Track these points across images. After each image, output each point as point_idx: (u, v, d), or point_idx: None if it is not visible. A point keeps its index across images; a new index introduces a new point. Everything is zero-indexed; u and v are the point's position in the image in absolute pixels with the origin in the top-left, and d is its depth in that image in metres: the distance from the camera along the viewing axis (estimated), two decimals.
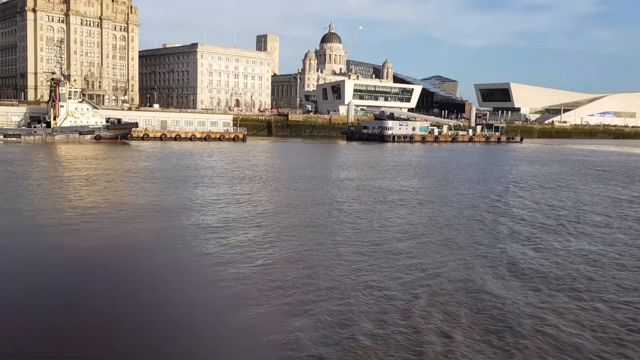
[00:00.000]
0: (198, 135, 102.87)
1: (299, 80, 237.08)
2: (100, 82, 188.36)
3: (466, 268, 20.65)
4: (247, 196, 38.30)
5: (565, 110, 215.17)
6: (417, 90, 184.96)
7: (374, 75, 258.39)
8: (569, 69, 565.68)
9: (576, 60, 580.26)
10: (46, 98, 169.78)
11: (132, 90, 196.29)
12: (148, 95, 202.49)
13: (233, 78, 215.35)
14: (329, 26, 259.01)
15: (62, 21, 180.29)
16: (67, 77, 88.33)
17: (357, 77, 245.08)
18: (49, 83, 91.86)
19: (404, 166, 67.92)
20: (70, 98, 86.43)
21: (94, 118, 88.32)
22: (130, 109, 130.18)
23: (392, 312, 15.76)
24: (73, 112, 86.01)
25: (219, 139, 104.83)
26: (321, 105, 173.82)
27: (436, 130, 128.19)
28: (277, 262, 20.77)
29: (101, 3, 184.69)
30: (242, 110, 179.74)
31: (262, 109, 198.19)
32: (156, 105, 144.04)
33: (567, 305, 16.74)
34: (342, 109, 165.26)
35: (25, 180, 43.60)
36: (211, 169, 56.58)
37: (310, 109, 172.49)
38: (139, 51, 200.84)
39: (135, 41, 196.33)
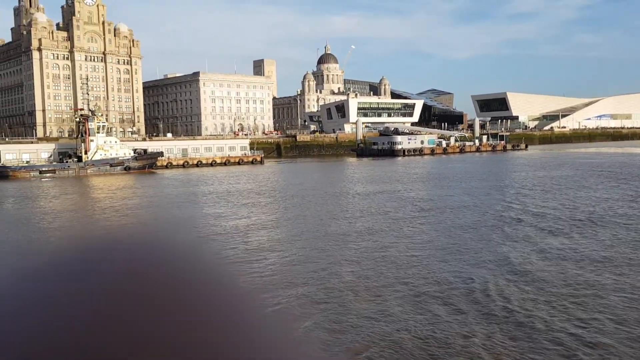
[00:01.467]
0: (218, 161, 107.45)
1: (299, 101, 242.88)
2: (107, 115, 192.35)
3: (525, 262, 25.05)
4: (308, 210, 42.69)
5: (563, 116, 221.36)
6: (418, 105, 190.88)
7: (372, 93, 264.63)
8: (558, 74, 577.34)
9: (565, 65, 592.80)
10: (55, 134, 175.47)
11: (139, 121, 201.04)
12: (153, 126, 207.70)
13: (235, 103, 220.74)
14: (325, 47, 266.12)
15: (67, 58, 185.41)
16: (94, 113, 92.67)
17: (356, 95, 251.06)
18: (77, 119, 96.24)
19: (427, 178, 72.52)
20: (98, 132, 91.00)
21: (122, 150, 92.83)
22: (145, 139, 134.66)
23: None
24: (102, 146, 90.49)
25: (238, 163, 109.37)
26: (326, 124, 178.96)
27: (444, 143, 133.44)
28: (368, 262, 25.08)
29: (104, 39, 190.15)
30: (247, 135, 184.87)
31: (266, 132, 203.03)
32: (169, 135, 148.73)
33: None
34: (347, 127, 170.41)
35: (84, 210, 47.87)
36: (259, 190, 60.94)
37: (315, 129, 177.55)
38: (142, 83, 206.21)
39: (139, 73, 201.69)
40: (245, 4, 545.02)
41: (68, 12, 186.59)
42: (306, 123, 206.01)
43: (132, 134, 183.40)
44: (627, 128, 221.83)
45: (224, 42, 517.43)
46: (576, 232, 30.05)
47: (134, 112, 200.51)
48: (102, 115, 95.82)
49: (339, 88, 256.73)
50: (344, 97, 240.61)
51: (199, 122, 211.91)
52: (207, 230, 33.67)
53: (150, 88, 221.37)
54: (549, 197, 47.31)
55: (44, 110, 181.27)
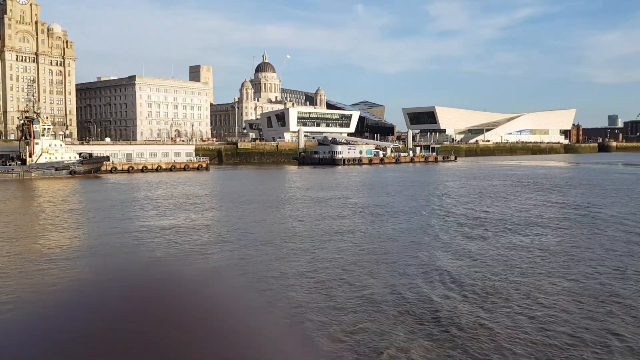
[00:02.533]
0: (164, 166, 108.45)
1: (237, 109, 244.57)
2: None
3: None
4: (266, 215, 46.49)
5: (487, 130, 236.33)
6: (355, 116, 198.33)
7: (308, 102, 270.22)
8: (481, 90, 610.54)
9: (487, 82, 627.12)
10: None
11: (71, 125, 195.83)
12: (85, 129, 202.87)
13: (172, 109, 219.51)
14: (262, 56, 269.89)
15: None
16: (39, 115, 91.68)
17: (293, 104, 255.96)
18: (21, 121, 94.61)
19: (370, 185, 77.90)
20: (43, 135, 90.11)
21: (68, 154, 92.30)
22: (82, 143, 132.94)
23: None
24: (48, 149, 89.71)
25: (184, 169, 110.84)
26: (266, 132, 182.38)
27: (381, 153, 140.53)
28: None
29: (37, 39, 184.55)
30: (184, 140, 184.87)
31: (204, 139, 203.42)
32: (107, 139, 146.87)
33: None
34: (288, 136, 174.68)
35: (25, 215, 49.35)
36: (215, 196, 63.81)
37: (255, 137, 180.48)
38: (75, 85, 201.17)
39: (72, 75, 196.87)
40: (179, 9, 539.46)
41: None
42: (245, 131, 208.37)
43: (64, 137, 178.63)
44: (545, 143, 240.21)
45: (158, 47, 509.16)
46: (516, 232, 35.82)
47: (66, 115, 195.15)
48: (47, 117, 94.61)
49: (276, 97, 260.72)
50: (281, 106, 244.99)
51: (134, 127, 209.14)
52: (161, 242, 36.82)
53: (83, 90, 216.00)
54: (484, 204, 53.56)
55: None
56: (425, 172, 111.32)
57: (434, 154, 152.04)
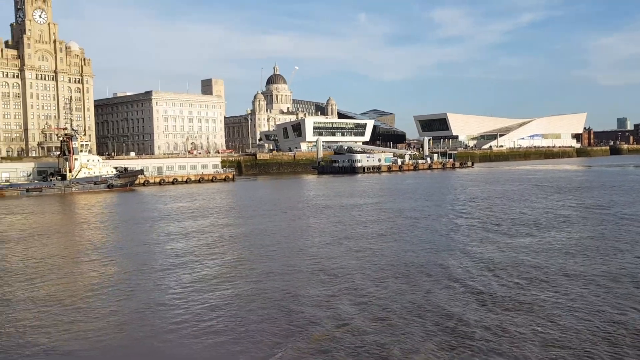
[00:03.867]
0: (193, 178, 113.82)
1: (249, 120, 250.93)
2: (56, 134, 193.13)
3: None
4: (310, 220, 51.50)
5: (500, 135, 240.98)
6: (369, 125, 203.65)
7: (319, 112, 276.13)
8: (487, 96, 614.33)
9: (492, 87, 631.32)
10: (4, 154, 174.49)
11: (90, 140, 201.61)
12: (103, 144, 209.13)
13: (188, 122, 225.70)
14: (273, 68, 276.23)
15: (17, 76, 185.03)
16: (77, 132, 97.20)
17: (305, 114, 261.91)
18: (60, 138, 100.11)
19: (395, 192, 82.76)
20: (82, 151, 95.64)
21: (105, 168, 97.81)
22: (108, 158, 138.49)
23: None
24: (86, 164, 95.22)
25: (211, 180, 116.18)
26: (282, 143, 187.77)
27: (399, 161, 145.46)
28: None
29: (55, 57, 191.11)
30: (200, 153, 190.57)
31: (220, 151, 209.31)
32: (132, 153, 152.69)
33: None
34: (304, 146, 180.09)
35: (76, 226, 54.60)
36: (258, 204, 68.89)
37: (272, 148, 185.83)
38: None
39: (90, 92, 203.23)
40: (182, 23, 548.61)
41: (18, 30, 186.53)
42: (261, 141, 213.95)
43: None
44: (558, 147, 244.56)
45: (166, 61, 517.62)
46: (549, 230, 40.71)
47: (85, 130, 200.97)
48: (84, 134, 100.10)
49: (288, 108, 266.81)
50: (293, 117, 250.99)
51: (151, 141, 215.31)
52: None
53: (100, 107, 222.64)
54: (513, 206, 58.36)
55: None
56: (445, 178, 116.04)
57: (451, 160, 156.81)
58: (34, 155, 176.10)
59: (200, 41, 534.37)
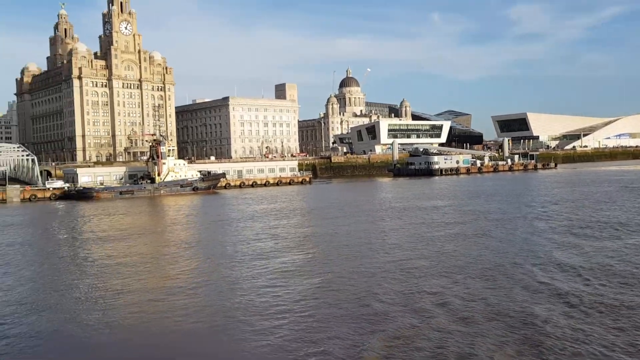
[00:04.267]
0: (271, 181, 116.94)
1: (323, 124, 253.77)
2: (142, 140, 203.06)
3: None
4: (401, 220, 51.83)
5: (583, 135, 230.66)
6: (445, 126, 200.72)
7: (393, 115, 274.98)
8: (569, 94, 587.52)
9: (575, 84, 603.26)
10: (94, 159, 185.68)
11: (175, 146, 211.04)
12: (182, 149, 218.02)
13: (263, 127, 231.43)
14: (346, 71, 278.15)
15: (105, 85, 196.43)
16: (165, 138, 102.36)
17: (378, 116, 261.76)
18: (149, 144, 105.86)
19: (476, 194, 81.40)
20: (169, 156, 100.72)
21: (190, 172, 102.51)
22: (190, 162, 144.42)
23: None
24: (173, 168, 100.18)
25: (289, 183, 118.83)
26: (356, 145, 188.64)
27: (478, 162, 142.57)
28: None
29: (140, 67, 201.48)
30: (275, 157, 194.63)
31: (294, 154, 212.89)
32: (212, 157, 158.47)
33: None
34: (378, 148, 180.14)
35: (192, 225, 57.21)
36: (342, 206, 70.10)
37: (346, 151, 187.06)
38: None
39: (172, 99, 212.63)
40: (255, 29, 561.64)
41: (106, 42, 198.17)
42: (334, 145, 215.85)
43: None
44: None
45: (241, 67, 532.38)
46: None
47: (167, 136, 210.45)
48: (170, 139, 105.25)
49: (361, 110, 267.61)
50: (366, 119, 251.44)
51: (228, 145, 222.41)
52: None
53: (180, 113, 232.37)
54: (601, 208, 56.24)
55: (83, 136, 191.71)
56: (528, 180, 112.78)
57: (532, 161, 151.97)
58: (120, 160, 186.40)
59: (273, 46, 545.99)
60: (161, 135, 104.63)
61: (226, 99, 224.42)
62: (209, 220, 59.43)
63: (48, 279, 32.14)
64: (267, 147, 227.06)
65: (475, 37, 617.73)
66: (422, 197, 79.75)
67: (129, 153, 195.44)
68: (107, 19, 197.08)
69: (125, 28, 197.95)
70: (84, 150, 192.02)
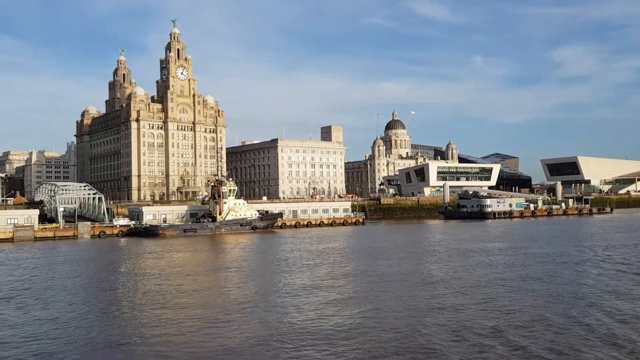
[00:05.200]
0: (325, 222, 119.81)
1: (369, 165, 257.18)
2: (194, 180, 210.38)
3: None
4: (466, 261, 53.58)
5: (638, 179, 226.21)
6: (495, 169, 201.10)
7: (439, 157, 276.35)
8: (619, 137, 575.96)
9: (624, 127, 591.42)
10: (148, 198, 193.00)
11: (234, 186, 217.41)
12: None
13: (310, 168, 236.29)
14: (392, 114, 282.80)
15: (161, 128, 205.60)
16: (226, 178, 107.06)
17: (424, 159, 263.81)
18: (211, 184, 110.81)
19: (534, 237, 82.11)
20: (229, 195, 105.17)
21: (249, 211, 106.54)
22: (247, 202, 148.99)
23: None
24: (234, 207, 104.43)
25: (343, 224, 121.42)
26: (405, 187, 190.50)
27: (532, 206, 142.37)
28: None
29: (194, 110, 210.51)
30: (322, 197, 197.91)
31: (341, 195, 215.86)
32: (264, 197, 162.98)
33: None
34: (427, 191, 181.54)
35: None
36: (406, 247, 72.21)
37: (394, 192, 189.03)
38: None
39: (223, 141, 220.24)
40: (299, 73, 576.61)
41: (162, 86, 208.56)
42: (382, 186, 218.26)
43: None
44: None
45: (279, 109, 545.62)
46: None
47: (227, 177, 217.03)
48: (230, 180, 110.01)
49: (407, 153, 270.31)
50: (412, 162, 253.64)
51: (276, 186, 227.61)
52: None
53: (230, 154, 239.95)
54: None
55: (139, 176, 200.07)
56: (585, 224, 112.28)
57: (587, 205, 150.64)
58: (173, 199, 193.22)
59: (316, 89, 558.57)
60: (222, 176, 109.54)
61: (275, 140, 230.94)
62: (276, 258, 62.40)
63: (155, 304, 35.54)
64: (313, 188, 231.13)
65: (518, 80, 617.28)
66: (481, 239, 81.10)
67: (181, 192, 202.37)
68: (164, 65, 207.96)
69: (182, 73, 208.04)
70: (139, 189, 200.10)
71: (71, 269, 55.21)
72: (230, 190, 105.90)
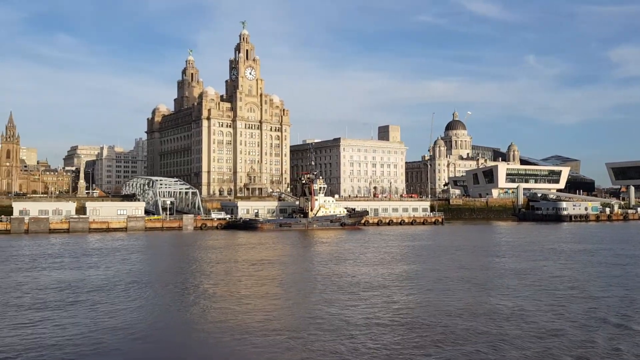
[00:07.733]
0: (406, 220, 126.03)
1: (429, 165, 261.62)
2: (260, 177, 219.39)
3: None
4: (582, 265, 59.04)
5: None
6: (564, 172, 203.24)
7: (499, 158, 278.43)
8: None
9: None
10: (217, 193, 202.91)
11: (285, 183, 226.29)
12: (294, 187, 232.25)
13: (371, 167, 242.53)
14: (453, 114, 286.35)
15: (230, 126, 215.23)
16: (317, 176, 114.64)
17: (485, 160, 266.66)
18: (303, 181, 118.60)
19: (619, 240, 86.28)
20: (320, 193, 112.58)
21: (338, 208, 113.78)
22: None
23: None
24: (324, 204, 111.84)
25: (422, 223, 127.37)
26: (472, 188, 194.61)
27: (608, 210, 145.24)
28: None
29: (261, 109, 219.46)
30: (385, 197, 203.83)
31: (403, 195, 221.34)
32: (336, 196, 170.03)
33: None
34: (495, 192, 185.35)
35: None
36: (508, 246, 77.81)
37: (460, 193, 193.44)
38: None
39: (287, 139, 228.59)
40: (347, 72, 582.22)
41: (231, 86, 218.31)
42: (446, 186, 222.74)
43: (282, 193, 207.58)
44: None
45: (325, 108, 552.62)
46: None
47: (282, 174, 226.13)
48: (320, 178, 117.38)
49: (467, 154, 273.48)
50: (473, 162, 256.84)
51: (338, 185, 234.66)
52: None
53: (293, 152, 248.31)
54: None
55: (209, 172, 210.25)
56: None
57: None
58: (240, 195, 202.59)
59: (364, 89, 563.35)
60: (314, 174, 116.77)
61: (337, 139, 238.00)
62: (382, 252, 68.86)
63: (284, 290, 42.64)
64: (374, 187, 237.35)
65: (573, 80, 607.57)
66: (566, 240, 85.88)
67: (247, 189, 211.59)
68: (234, 65, 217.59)
69: (250, 74, 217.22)
70: (208, 184, 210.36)
71: (207, 256, 63.17)
72: (320, 187, 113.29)
